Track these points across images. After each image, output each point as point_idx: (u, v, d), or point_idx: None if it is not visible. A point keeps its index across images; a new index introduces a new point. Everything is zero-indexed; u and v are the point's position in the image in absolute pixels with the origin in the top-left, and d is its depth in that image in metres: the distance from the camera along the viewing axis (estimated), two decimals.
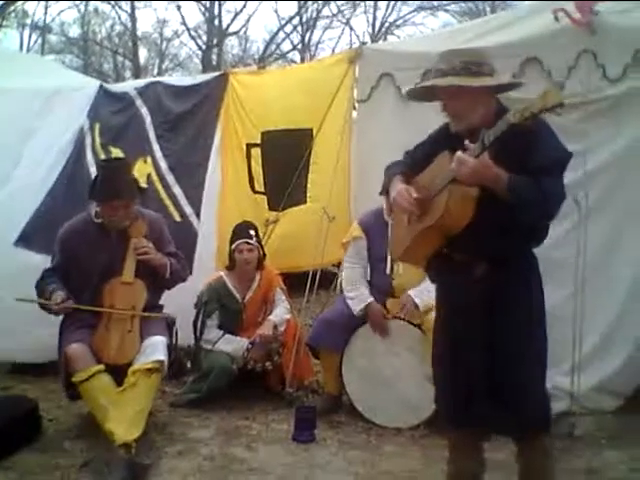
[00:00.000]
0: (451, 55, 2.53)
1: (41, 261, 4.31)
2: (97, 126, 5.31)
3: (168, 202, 5.10)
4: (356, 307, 4.03)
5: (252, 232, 4.46)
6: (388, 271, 4.07)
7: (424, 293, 3.91)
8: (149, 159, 5.22)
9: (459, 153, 2.37)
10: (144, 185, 4.83)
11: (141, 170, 5.13)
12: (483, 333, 2.55)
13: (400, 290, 4.07)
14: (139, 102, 5.38)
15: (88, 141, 5.27)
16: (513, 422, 2.56)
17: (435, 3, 23.84)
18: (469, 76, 2.47)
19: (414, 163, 2.79)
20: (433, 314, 3.74)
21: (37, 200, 4.98)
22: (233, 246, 4.42)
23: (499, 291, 2.53)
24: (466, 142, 2.38)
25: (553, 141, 2.47)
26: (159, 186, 5.14)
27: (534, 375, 2.60)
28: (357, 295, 4.07)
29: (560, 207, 2.48)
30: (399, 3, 24.41)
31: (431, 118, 4.24)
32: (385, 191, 2.88)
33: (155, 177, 5.16)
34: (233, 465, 3.45)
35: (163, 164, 5.19)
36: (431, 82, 2.58)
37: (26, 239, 4.78)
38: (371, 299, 4.03)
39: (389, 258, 4.04)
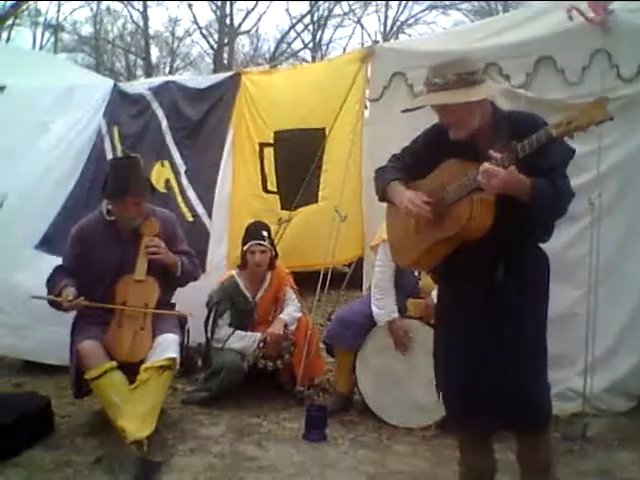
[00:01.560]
0: (444, 69, 2.51)
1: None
2: (116, 130, 5.34)
3: (183, 205, 5.12)
4: (381, 318, 3.99)
5: (265, 233, 4.44)
6: (416, 272, 4.04)
7: None
8: (167, 163, 5.24)
9: (487, 165, 2.34)
10: (163, 190, 4.89)
11: (159, 174, 5.16)
12: (495, 335, 2.54)
13: (425, 290, 4.05)
14: (155, 105, 5.40)
15: (108, 146, 5.30)
16: (517, 418, 2.57)
17: (447, 2, 23.77)
18: (465, 87, 2.47)
19: (409, 168, 2.76)
20: None
21: (55, 202, 5.01)
22: (245, 247, 4.42)
23: (513, 291, 2.53)
24: (491, 152, 2.35)
25: (560, 141, 2.46)
26: (177, 191, 5.16)
27: (542, 374, 2.62)
28: (384, 306, 4.00)
29: (569, 205, 2.50)
30: (411, 2, 24.40)
31: None
32: (382, 198, 2.84)
33: (174, 183, 5.19)
34: (244, 463, 3.46)
35: (182, 169, 5.21)
36: (432, 100, 2.56)
37: (48, 243, 4.80)
38: (396, 315, 3.97)
39: None
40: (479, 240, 2.47)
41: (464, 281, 2.62)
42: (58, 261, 3.97)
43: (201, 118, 5.29)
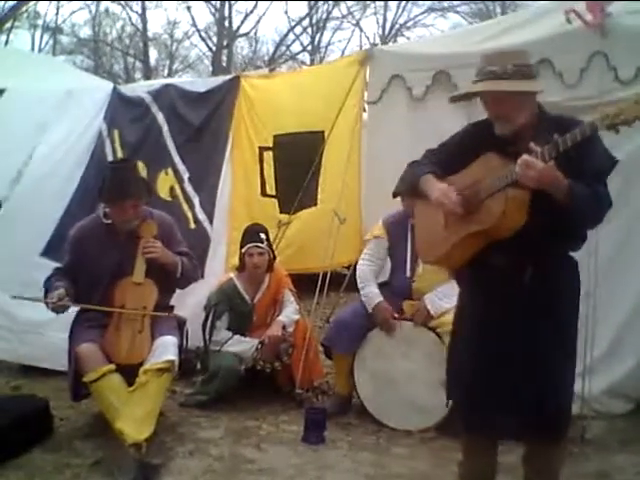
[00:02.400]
0: (501, 58, 2.49)
1: None
2: (116, 133, 5.33)
3: (188, 212, 5.12)
4: (369, 306, 4.06)
5: (263, 235, 4.44)
6: (408, 274, 4.06)
7: (440, 299, 3.93)
8: (170, 171, 5.23)
9: (526, 156, 2.31)
10: (168, 199, 4.89)
11: (163, 182, 5.16)
12: (524, 336, 2.52)
13: (419, 293, 4.06)
14: (155, 109, 5.38)
15: (109, 149, 5.28)
16: (537, 425, 2.55)
17: (445, 4, 23.81)
18: (522, 79, 2.45)
19: (444, 163, 2.72)
20: (448, 317, 3.78)
21: (57, 208, 5.01)
22: (243, 249, 4.42)
23: (545, 293, 2.51)
24: (531, 145, 2.32)
25: (602, 148, 2.45)
26: (182, 199, 5.16)
27: (566, 378, 2.60)
28: (367, 293, 4.09)
29: (606, 213, 2.47)
30: (409, 4, 24.44)
31: (441, 119, 4.32)
32: (412, 190, 2.82)
33: (179, 191, 5.18)
34: (243, 465, 3.46)
35: (185, 177, 5.20)
36: (490, 86, 2.50)
37: (52, 250, 4.79)
38: (380, 299, 4.03)
39: (409, 260, 4.04)
40: (508, 240, 2.44)
41: (491, 282, 2.57)
42: None
43: (202, 122, 5.28)
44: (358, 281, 4.21)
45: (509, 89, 2.46)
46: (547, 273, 2.51)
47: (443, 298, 3.91)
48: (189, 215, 5.09)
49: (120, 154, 5.26)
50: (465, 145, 2.69)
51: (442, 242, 2.65)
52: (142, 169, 5.11)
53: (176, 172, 5.22)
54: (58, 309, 3.60)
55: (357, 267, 4.30)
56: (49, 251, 4.84)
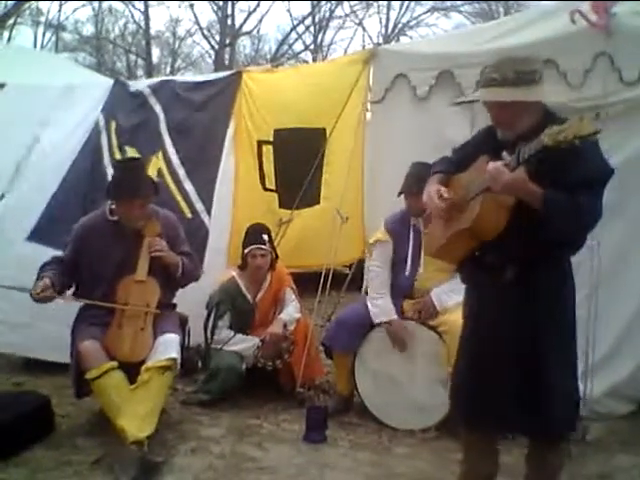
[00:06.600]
0: (504, 65, 2.50)
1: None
2: (113, 125, 5.31)
3: (179, 198, 5.07)
4: (378, 318, 4.00)
5: (265, 237, 4.43)
6: (408, 273, 4.05)
7: (446, 294, 3.92)
8: (160, 154, 5.20)
9: (492, 164, 2.37)
10: (156, 179, 4.84)
11: (153, 166, 5.12)
12: (513, 337, 2.55)
13: (420, 292, 4.05)
14: (153, 100, 5.38)
15: (104, 140, 5.27)
16: (542, 424, 2.56)
17: (448, 3, 23.78)
18: (522, 86, 2.45)
19: (458, 161, 2.80)
20: (448, 316, 3.79)
21: (46, 193, 4.98)
22: (246, 250, 4.41)
23: (530, 295, 2.53)
24: (504, 153, 2.38)
25: (596, 157, 2.43)
26: (169, 180, 5.11)
27: (564, 378, 2.60)
28: (381, 305, 4.02)
29: (595, 224, 2.47)
30: (413, 4, 24.44)
31: (445, 119, 4.32)
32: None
33: (165, 171, 5.14)
34: (244, 464, 3.46)
35: (174, 158, 5.16)
36: (486, 95, 2.56)
37: (38, 234, 4.77)
38: (394, 316, 3.98)
39: (410, 260, 4.03)
40: (496, 241, 2.47)
41: (481, 282, 2.65)
42: (50, 252, 3.97)
43: (197, 106, 5.29)
44: (370, 290, 4.15)
45: (504, 99, 2.48)
46: (533, 275, 2.52)
47: (449, 293, 3.90)
48: (181, 202, 5.05)
49: (115, 143, 5.25)
50: (477, 144, 2.75)
51: (440, 237, 2.73)
52: (132, 154, 5.11)
53: (165, 154, 5.19)
54: (41, 300, 3.57)
55: (369, 275, 4.25)
56: (35, 235, 4.80)
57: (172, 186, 5.11)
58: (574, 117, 2.23)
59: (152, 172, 5.00)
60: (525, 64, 2.50)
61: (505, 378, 2.56)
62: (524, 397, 2.53)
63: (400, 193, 4.09)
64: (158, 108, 5.35)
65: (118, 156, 5.15)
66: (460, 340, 2.82)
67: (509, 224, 2.45)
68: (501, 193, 2.41)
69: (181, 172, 5.14)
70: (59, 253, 3.89)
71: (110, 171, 5.00)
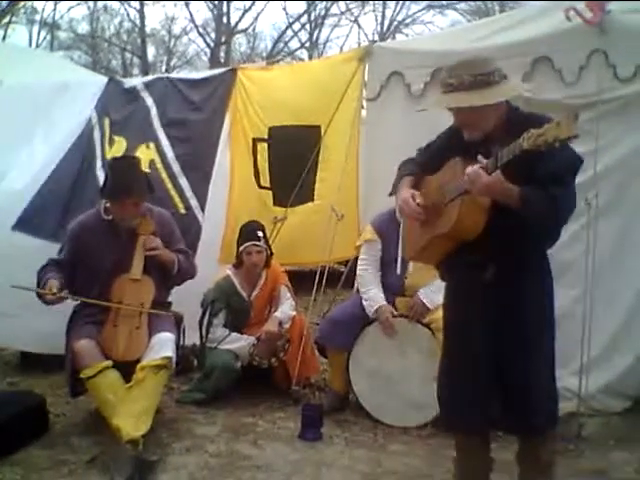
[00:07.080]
0: (459, 69, 2.48)
1: (40, 245, 4.38)
2: (107, 121, 5.28)
3: (174, 193, 5.04)
4: (370, 310, 4.04)
5: (260, 234, 4.44)
6: (399, 271, 4.05)
7: (434, 292, 3.91)
8: (152, 145, 5.16)
9: (471, 168, 2.37)
10: (147, 170, 4.78)
11: (143, 155, 5.03)
12: (492, 334, 2.57)
13: (411, 289, 4.07)
14: (145, 94, 5.36)
15: (97, 134, 5.23)
16: (520, 422, 2.59)
17: (444, 2, 23.78)
18: (480, 89, 2.44)
19: (424, 163, 2.79)
20: (440, 313, 3.79)
21: (36, 186, 4.93)
22: (241, 248, 4.41)
23: (509, 293, 2.54)
24: (479, 157, 2.38)
25: (564, 149, 2.40)
26: (164, 174, 5.08)
27: (542, 375, 2.62)
28: (370, 297, 4.07)
29: (570, 215, 2.51)
30: (408, 1, 24.41)
31: (441, 116, 4.28)
32: (395, 191, 2.88)
33: (160, 165, 5.10)
34: (240, 462, 3.46)
35: (169, 152, 5.13)
36: (444, 102, 2.57)
37: (24, 224, 4.71)
38: (382, 302, 4.02)
39: (399, 258, 4.04)
40: (475, 241, 2.49)
41: (461, 279, 2.67)
42: (37, 241, 3.92)
43: (192, 103, 5.27)
44: (360, 287, 4.19)
45: (463, 104, 2.47)
46: (511, 273, 2.54)
47: (437, 292, 3.90)
48: (176, 197, 5.02)
49: (108, 137, 5.21)
50: (443, 147, 2.74)
51: (418, 240, 2.72)
52: (120, 142, 5.10)
53: (158, 146, 5.15)
54: (55, 301, 3.57)
55: (357, 274, 4.29)
56: (20, 224, 4.72)
57: (167, 181, 5.08)
58: (552, 120, 2.19)
59: (144, 163, 4.91)
60: (481, 66, 2.48)
61: (481, 377, 2.59)
62: (500, 395, 2.56)
63: (391, 194, 4.09)
64: (150, 101, 5.32)
65: (108, 147, 5.13)
66: (442, 339, 2.86)
67: (487, 224, 2.47)
68: (480, 196, 2.42)
69: (176, 167, 5.11)
70: (44, 244, 3.86)
71: (100, 163, 5.02)
